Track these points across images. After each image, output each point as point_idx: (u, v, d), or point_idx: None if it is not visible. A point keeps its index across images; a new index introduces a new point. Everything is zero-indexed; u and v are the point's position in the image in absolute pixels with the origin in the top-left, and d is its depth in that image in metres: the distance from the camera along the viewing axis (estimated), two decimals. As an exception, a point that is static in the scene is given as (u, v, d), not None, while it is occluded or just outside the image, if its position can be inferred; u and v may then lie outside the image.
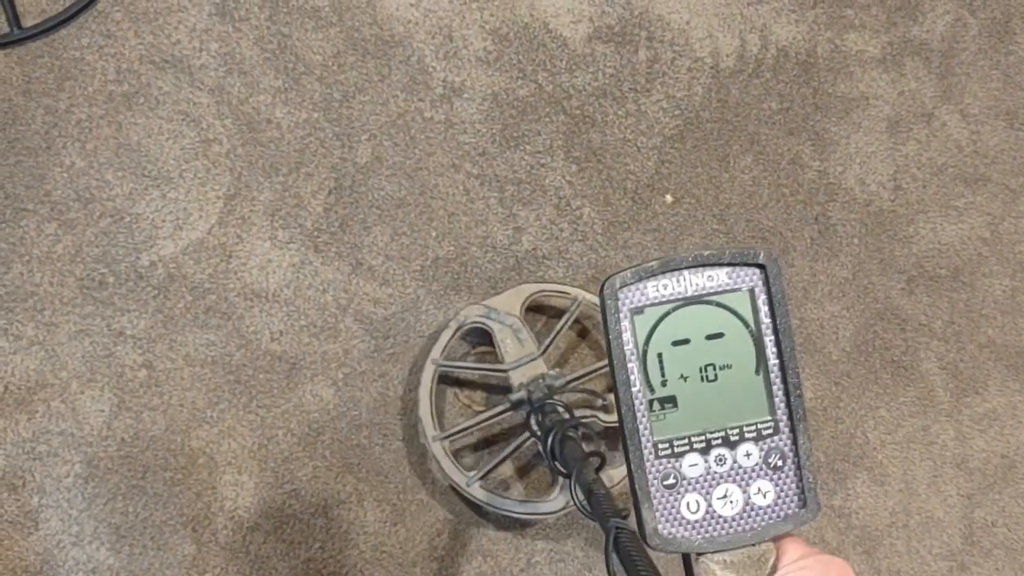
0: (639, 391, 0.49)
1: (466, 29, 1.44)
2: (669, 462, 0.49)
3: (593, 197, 1.43)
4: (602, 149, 1.45)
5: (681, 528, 0.49)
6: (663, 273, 0.49)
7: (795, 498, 0.50)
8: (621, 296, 0.49)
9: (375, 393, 1.32)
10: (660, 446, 0.49)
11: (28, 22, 1.33)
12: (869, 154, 1.52)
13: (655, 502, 0.49)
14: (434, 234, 1.38)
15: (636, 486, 0.49)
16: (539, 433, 1.14)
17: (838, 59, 1.54)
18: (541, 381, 1.22)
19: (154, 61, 1.35)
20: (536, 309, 1.39)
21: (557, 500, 1.26)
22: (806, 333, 1.46)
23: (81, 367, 1.27)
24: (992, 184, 1.55)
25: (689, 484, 0.49)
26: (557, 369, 1.29)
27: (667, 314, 0.50)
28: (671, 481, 0.49)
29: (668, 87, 1.48)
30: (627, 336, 0.49)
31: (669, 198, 1.46)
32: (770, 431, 0.50)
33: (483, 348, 1.36)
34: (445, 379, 1.35)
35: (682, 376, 0.49)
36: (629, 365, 0.49)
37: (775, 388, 0.50)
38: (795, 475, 0.50)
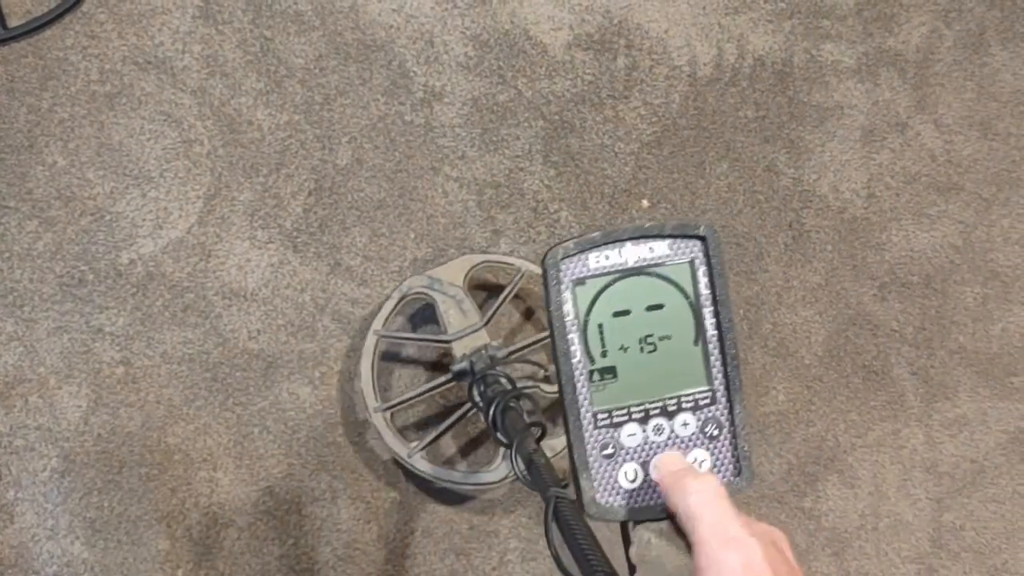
0: (579, 362, 0.49)
1: (447, 35, 1.46)
2: (608, 432, 0.50)
3: (571, 201, 1.45)
4: (580, 154, 1.47)
5: (618, 497, 0.50)
6: (605, 245, 0.49)
7: (730, 467, 0.51)
8: (563, 267, 0.49)
9: (351, 392, 1.33)
10: (599, 416, 0.50)
11: (13, 22, 1.35)
12: (843, 162, 1.54)
13: (593, 472, 0.49)
14: (412, 236, 1.40)
15: (575, 455, 0.49)
16: (481, 404, 1.13)
17: (814, 69, 1.56)
18: (484, 352, 1.21)
19: (137, 62, 1.37)
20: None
21: (499, 469, 1.26)
22: (779, 337, 1.47)
23: (59, 363, 1.28)
24: (965, 193, 1.57)
25: (627, 454, 0.50)
26: (500, 340, 1.28)
27: (608, 285, 0.50)
28: (609, 451, 0.50)
29: (646, 94, 1.50)
30: (568, 307, 0.49)
31: (646, 203, 1.48)
32: (707, 401, 0.50)
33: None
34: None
35: (622, 347, 0.50)
36: (570, 336, 0.49)
37: (713, 359, 0.50)
38: (731, 444, 0.51)
